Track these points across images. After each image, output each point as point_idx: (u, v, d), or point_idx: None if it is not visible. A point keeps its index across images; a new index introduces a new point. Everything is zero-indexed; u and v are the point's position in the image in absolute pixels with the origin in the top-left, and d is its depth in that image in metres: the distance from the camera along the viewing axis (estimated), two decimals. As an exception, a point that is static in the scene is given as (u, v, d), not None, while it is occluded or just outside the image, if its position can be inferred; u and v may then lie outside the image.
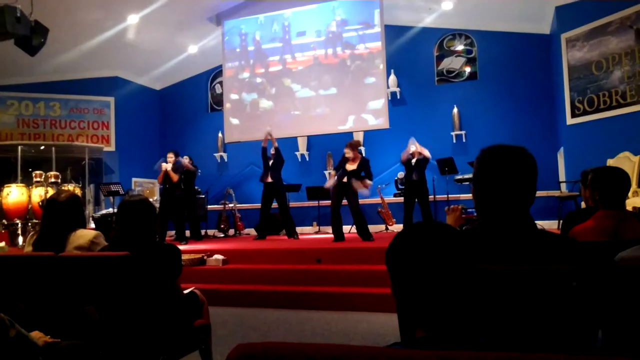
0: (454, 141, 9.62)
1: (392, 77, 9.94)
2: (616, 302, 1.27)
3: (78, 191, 8.65)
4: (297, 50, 9.93)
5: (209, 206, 10.45)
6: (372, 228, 9.57)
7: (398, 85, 10.03)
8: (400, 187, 9.51)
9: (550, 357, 0.72)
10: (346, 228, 9.69)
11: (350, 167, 7.08)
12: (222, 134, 10.93)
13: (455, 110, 9.59)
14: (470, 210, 7.60)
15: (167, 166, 8.12)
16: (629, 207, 5.73)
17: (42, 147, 9.82)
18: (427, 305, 0.92)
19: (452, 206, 2.53)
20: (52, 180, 8.31)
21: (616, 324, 1.25)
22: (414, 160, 7.99)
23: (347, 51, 9.55)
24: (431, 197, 9.06)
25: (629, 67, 6.96)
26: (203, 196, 10.30)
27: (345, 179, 7.06)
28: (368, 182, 7.17)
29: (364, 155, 8.30)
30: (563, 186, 8.18)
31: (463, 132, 9.56)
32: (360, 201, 9.48)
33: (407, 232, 1.00)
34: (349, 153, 7.07)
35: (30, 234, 2.91)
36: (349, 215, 7.71)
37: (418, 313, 0.93)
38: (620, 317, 1.24)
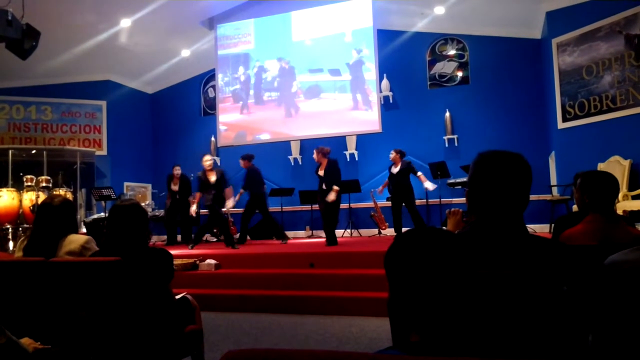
0: (446, 145, 9.65)
1: (385, 82, 9.97)
2: (606, 306, 1.28)
3: (69, 195, 8.58)
4: (289, 54, 9.95)
5: (201, 211, 10.41)
6: (365, 232, 9.62)
7: (390, 90, 10.06)
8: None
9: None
10: (339, 232, 9.72)
11: (320, 172, 7.27)
12: (215, 138, 10.91)
13: (447, 114, 9.63)
14: (469, 213, 7.63)
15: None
16: (619, 211, 5.78)
17: (34, 151, 9.75)
18: (424, 309, 0.92)
19: (452, 209, 2.51)
20: (44, 184, 8.24)
21: (606, 328, 1.26)
22: (396, 170, 8.06)
23: (340, 56, 9.57)
24: (423, 201, 9.10)
25: (619, 72, 7.02)
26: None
27: (324, 186, 7.18)
28: (334, 188, 7.00)
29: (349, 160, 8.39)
30: (554, 190, 8.23)
31: (455, 136, 9.60)
32: (354, 205, 9.57)
33: (406, 236, 1.00)
34: (314, 155, 7.36)
35: (21, 239, 2.88)
36: (343, 220, 7.74)
37: (414, 317, 0.94)
38: (610, 321, 1.25)
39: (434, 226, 1.19)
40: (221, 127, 10.40)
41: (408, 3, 9.32)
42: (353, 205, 9.61)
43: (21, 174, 8.69)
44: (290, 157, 10.67)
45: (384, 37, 9.85)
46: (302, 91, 9.80)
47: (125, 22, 9.16)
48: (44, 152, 9.62)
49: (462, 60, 9.91)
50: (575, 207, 3.60)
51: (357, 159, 10.22)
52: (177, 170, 9.23)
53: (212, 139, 11.20)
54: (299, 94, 9.83)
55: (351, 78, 9.48)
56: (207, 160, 7.85)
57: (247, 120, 10.19)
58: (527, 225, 1.49)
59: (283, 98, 9.97)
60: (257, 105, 10.16)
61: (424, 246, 0.96)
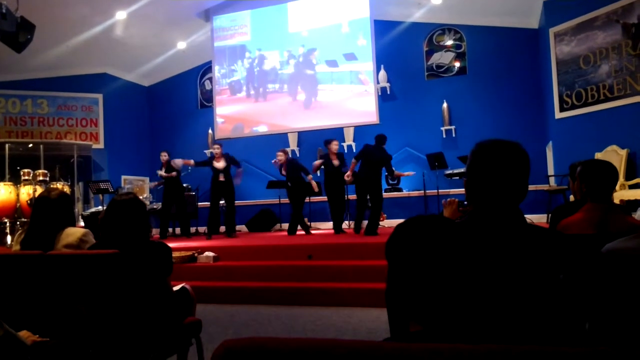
0: (444, 136, 9.65)
1: (382, 73, 9.94)
2: (603, 294, 1.28)
3: (67, 189, 8.56)
4: (287, 45, 9.90)
5: (199, 203, 10.41)
6: (363, 223, 9.60)
7: (388, 81, 10.03)
8: (390, 182, 9.54)
9: (537, 349, 0.72)
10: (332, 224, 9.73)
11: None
12: (212, 130, 10.88)
13: (444, 105, 9.61)
14: (467, 203, 7.61)
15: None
16: (616, 200, 5.79)
17: (30, 145, 9.72)
18: (424, 296, 0.92)
19: (448, 199, 2.52)
20: (41, 178, 8.22)
21: (603, 315, 1.26)
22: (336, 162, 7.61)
23: (337, 47, 9.53)
24: (421, 192, 9.10)
25: (616, 61, 7.01)
26: (194, 193, 10.25)
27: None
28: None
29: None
30: (552, 180, 8.24)
31: (453, 127, 9.59)
32: (352, 197, 9.56)
33: (407, 225, 1.00)
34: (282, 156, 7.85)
35: (18, 232, 2.88)
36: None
37: (414, 305, 0.94)
38: (608, 308, 1.26)
39: (434, 214, 1.19)
40: (218, 120, 10.37)
41: (405, -7, 9.29)
42: (351, 197, 9.61)
43: (18, 167, 8.66)
44: (288, 149, 10.64)
45: (381, 27, 9.81)
46: (300, 83, 9.76)
47: (121, 15, 9.10)
48: (41, 146, 9.60)
49: (460, 51, 9.88)
50: (572, 197, 3.60)
51: (354, 150, 10.20)
52: (217, 149, 8.12)
53: (210, 131, 11.17)
54: (296, 86, 9.79)
55: (349, 69, 9.43)
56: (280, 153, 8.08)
57: (244, 112, 10.16)
58: (524, 215, 1.49)
59: (280, 90, 9.94)
60: (254, 97, 10.12)
61: (425, 234, 0.96)
